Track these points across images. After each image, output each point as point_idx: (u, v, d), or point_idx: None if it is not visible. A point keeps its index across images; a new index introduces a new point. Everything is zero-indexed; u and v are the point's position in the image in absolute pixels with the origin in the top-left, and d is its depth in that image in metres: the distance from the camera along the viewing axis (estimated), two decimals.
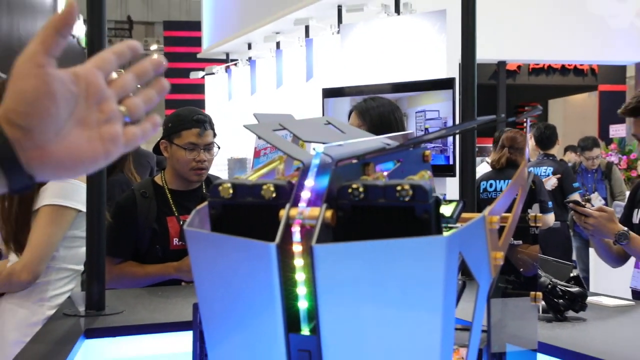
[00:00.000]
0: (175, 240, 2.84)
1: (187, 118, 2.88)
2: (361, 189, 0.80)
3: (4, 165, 0.71)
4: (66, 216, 2.41)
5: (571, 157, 10.31)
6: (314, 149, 0.86)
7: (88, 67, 0.78)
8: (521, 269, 1.28)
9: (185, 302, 2.22)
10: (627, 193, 7.53)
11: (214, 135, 2.94)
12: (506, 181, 5.34)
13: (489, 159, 6.47)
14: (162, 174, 3.00)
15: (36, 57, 0.73)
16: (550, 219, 5.31)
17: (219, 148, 2.97)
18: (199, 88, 11.61)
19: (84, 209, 2.28)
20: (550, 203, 5.40)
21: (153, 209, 2.86)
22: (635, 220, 2.89)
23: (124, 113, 0.81)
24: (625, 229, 2.64)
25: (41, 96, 0.72)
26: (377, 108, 2.97)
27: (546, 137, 6.42)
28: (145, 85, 0.85)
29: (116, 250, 2.79)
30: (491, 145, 6.08)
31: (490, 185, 5.40)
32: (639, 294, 2.81)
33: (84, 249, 2.27)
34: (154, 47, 27.22)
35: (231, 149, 6.69)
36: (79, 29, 19.18)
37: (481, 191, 5.33)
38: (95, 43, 2.22)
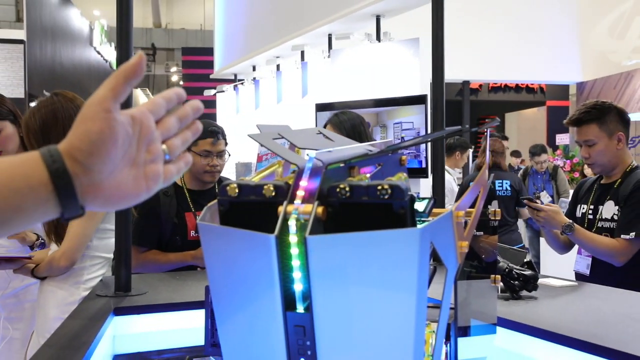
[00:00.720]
0: (192, 232, 2.83)
1: (203, 129, 2.86)
2: (347, 189, 0.79)
3: (61, 196, 0.68)
4: (99, 212, 2.40)
5: (515, 161, 10.41)
6: (307, 154, 0.85)
7: (143, 110, 0.75)
8: (483, 256, 1.28)
9: (199, 284, 2.21)
10: (571, 191, 7.57)
11: (226, 144, 2.94)
12: (494, 181, 5.33)
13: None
14: (181, 176, 2.99)
15: (105, 103, 0.69)
16: (526, 212, 5.34)
17: (229, 155, 2.96)
18: (212, 103, 11.58)
19: None
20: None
21: (173, 206, 2.85)
22: (578, 214, 2.89)
23: (165, 152, 0.77)
24: (571, 221, 2.65)
25: (106, 139, 0.68)
26: (349, 120, 2.97)
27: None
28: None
29: (142, 240, 2.78)
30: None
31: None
32: (581, 275, 2.81)
33: (113, 240, 2.26)
34: (173, 69, 27.20)
35: (238, 155, 6.67)
36: (111, 55, 19.16)
37: None
38: None
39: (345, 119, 2.98)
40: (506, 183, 5.40)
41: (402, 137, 5.02)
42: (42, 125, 2.39)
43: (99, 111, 0.69)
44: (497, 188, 5.37)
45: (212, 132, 2.86)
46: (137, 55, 0.72)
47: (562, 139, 11.52)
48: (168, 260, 2.78)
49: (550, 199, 7.40)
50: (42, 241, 2.61)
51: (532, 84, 15.12)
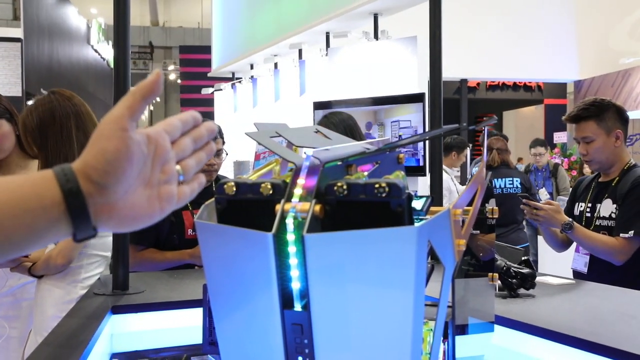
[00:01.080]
0: (190, 231, 2.83)
1: None
2: (345, 187, 0.79)
3: (74, 216, 0.66)
4: None
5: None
6: (305, 152, 0.85)
7: (158, 130, 0.73)
8: (481, 254, 1.28)
9: (197, 283, 2.21)
10: (569, 187, 7.58)
11: (223, 142, 2.93)
12: (504, 179, 5.32)
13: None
14: None
15: (121, 121, 0.67)
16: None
17: (226, 154, 2.96)
18: (209, 102, 11.58)
19: None
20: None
21: None
22: (576, 212, 2.89)
23: (179, 173, 0.76)
24: (570, 219, 2.65)
25: (121, 157, 0.66)
26: (343, 121, 2.97)
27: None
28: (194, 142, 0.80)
29: (139, 239, 2.78)
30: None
31: (491, 183, 5.33)
32: (578, 273, 2.81)
33: (111, 238, 2.26)
34: (171, 67, 27.17)
35: (236, 153, 6.67)
36: (108, 53, 19.13)
37: None
38: (120, 65, 2.20)
39: (338, 119, 2.98)
40: (516, 181, 5.38)
41: (400, 136, 5.02)
42: (40, 123, 2.39)
43: (115, 129, 0.67)
44: (507, 186, 5.35)
45: None
46: (154, 73, 0.71)
47: (559, 137, 11.53)
48: (165, 258, 2.78)
49: (548, 196, 7.40)
50: None
51: (529, 82, 15.14)
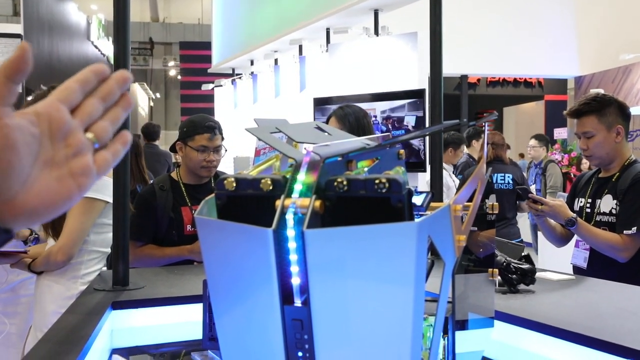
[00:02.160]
0: (189, 227, 2.83)
1: (200, 124, 2.88)
2: (345, 182, 0.79)
3: None
4: (96, 207, 2.40)
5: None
6: (305, 148, 0.85)
7: (50, 101, 0.64)
8: (481, 250, 1.28)
9: (197, 278, 2.21)
10: (559, 186, 7.59)
11: (222, 139, 2.94)
12: (496, 174, 5.33)
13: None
14: (177, 170, 2.99)
15: None
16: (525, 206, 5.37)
17: (226, 150, 2.96)
18: (209, 98, 11.58)
19: (111, 200, 2.26)
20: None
21: (170, 200, 2.85)
22: (576, 207, 2.89)
23: (92, 140, 0.66)
24: (575, 215, 2.65)
25: (1, 150, 0.57)
26: (353, 114, 2.96)
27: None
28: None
29: (139, 235, 2.78)
30: None
31: (491, 178, 5.33)
32: (578, 269, 2.81)
33: (111, 234, 2.26)
34: (171, 63, 27.14)
35: (236, 149, 6.67)
36: (108, 49, 19.10)
37: None
38: (120, 61, 2.20)
39: (349, 111, 2.98)
40: (508, 177, 5.39)
41: (400, 129, 5.01)
42: None
43: None
44: (499, 181, 5.35)
45: (209, 128, 2.86)
46: (19, 47, 0.62)
47: (560, 133, 11.53)
48: (165, 254, 2.78)
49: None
50: (36, 236, 2.61)
51: (530, 78, 15.13)
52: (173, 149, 3.03)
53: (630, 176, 2.66)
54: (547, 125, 14.79)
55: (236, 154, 6.48)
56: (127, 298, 1.95)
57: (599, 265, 2.69)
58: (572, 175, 8.82)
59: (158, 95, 28.09)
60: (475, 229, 1.22)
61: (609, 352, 1.42)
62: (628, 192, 2.63)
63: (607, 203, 2.71)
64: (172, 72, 27.54)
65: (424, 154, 4.88)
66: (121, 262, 2.12)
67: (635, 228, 2.54)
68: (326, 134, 1.08)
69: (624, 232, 2.57)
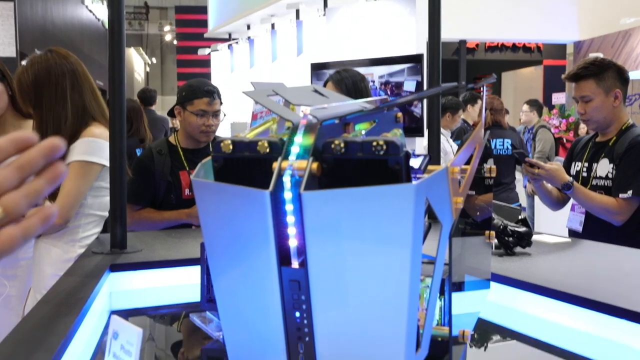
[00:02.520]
0: (187, 191, 2.84)
1: (199, 89, 2.87)
2: (342, 145, 0.79)
3: None
4: (93, 170, 2.40)
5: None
6: (302, 111, 0.84)
7: None
8: (478, 213, 1.28)
9: (195, 242, 2.22)
10: (547, 151, 7.58)
11: (221, 103, 2.93)
12: (494, 140, 5.33)
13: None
14: (175, 135, 2.98)
15: None
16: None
17: (224, 115, 2.96)
18: (206, 63, 11.48)
19: (107, 163, 2.25)
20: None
21: (168, 164, 2.85)
22: (572, 171, 2.90)
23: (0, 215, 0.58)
24: (571, 179, 2.66)
25: None
26: (350, 78, 2.95)
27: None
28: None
29: (136, 198, 2.78)
30: None
31: (489, 142, 5.32)
32: (574, 232, 2.83)
33: (108, 198, 2.26)
34: (167, 28, 26.85)
35: (233, 115, 6.64)
36: (103, 13, 18.87)
37: None
38: (115, 25, 2.16)
39: (346, 75, 2.96)
40: (507, 142, 5.38)
41: (399, 94, 4.99)
42: (35, 81, 2.38)
43: None
44: (498, 147, 5.35)
45: (208, 92, 2.85)
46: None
47: (558, 98, 11.48)
48: (163, 218, 2.79)
49: None
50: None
51: (529, 43, 15.00)
52: (171, 113, 3.02)
53: (627, 140, 2.66)
54: (545, 91, 14.73)
55: (233, 119, 6.45)
56: (125, 261, 1.96)
57: (594, 229, 2.71)
58: (565, 141, 8.81)
59: (154, 60, 27.83)
60: (473, 192, 1.22)
61: (604, 313, 1.43)
62: (624, 156, 2.63)
63: (604, 167, 2.71)
64: (168, 37, 27.24)
65: (423, 120, 4.87)
66: (119, 225, 2.12)
67: (630, 192, 2.55)
68: (323, 97, 1.07)
69: (620, 195, 2.58)
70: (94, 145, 2.38)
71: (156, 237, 2.40)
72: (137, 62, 23.75)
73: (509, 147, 5.36)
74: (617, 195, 2.59)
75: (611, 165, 2.68)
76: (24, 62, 2.50)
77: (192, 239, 2.32)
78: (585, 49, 12.61)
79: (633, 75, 11.10)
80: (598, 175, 2.73)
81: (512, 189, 5.45)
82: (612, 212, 2.60)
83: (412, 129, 4.82)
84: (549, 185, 2.81)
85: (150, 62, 27.29)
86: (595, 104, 2.70)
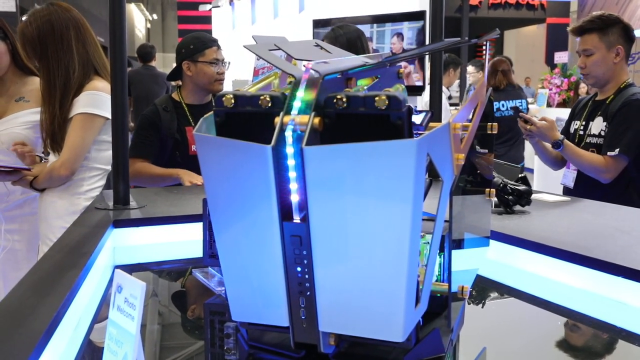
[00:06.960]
0: (193, 147, 2.81)
1: (207, 38, 2.92)
2: (344, 99, 0.78)
3: None
4: (96, 122, 2.40)
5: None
6: (304, 65, 0.83)
7: None
8: (479, 171, 1.28)
9: (197, 198, 2.22)
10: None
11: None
12: (513, 100, 5.30)
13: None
14: (178, 91, 2.96)
15: None
16: None
17: (229, 63, 2.96)
18: (207, 19, 11.35)
19: (110, 116, 2.24)
20: None
21: (174, 121, 2.83)
22: (571, 130, 2.90)
23: None
24: (562, 137, 2.65)
25: None
26: (344, 35, 2.91)
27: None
28: None
29: (134, 151, 2.71)
30: None
31: (502, 105, 5.29)
32: (568, 189, 2.84)
33: (110, 152, 2.25)
34: None
35: (235, 72, 6.58)
36: None
37: (494, 110, 5.17)
38: None
39: (341, 33, 2.93)
40: (524, 102, 5.38)
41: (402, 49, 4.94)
42: (39, 33, 2.37)
43: None
44: (517, 106, 5.32)
45: (214, 41, 2.89)
46: None
47: (560, 57, 11.37)
48: (152, 173, 2.74)
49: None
50: (46, 160, 2.61)
51: (532, 1, 14.80)
52: (172, 77, 2.99)
53: (622, 99, 2.64)
54: (547, 49, 14.59)
55: (235, 77, 6.41)
56: (128, 217, 1.97)
57: (585, 187, 2.72)
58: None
59: (155, 16, 27.47)
60: (486, 151, 1.21)
61: (602, 270, 1.44)
62: (617, 114, 2.62)
63: (598, 125, 2.71)
64: None
65: (424, 78, 4.82)
66: (121, 182, 2.12)
67: (618, 150, 2.55)
68: (326, 51, 1.06)
69: (608, 153, 2.58)
70: (97, 98, 2.38)
71: (158, 193, 2.40)
72: (138, 19, 23.45)
73: (527, 107, 5.37)
74: (605, 153, 2.59)
75: (604, 123, 2.67)
76: (25, 17, 2.47)
77: (194, 195, 2.32)
78: (589, 6, 12.44)
79: (637, 33, 10.98)
80: (592, 133, 2.74)
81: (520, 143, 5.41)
82: (599, 169, 2.60)
83: (415, 87, 4.78)
84: (547, 144, 2.81)
85: (151, 19, 26.94)
86: (596, 58, 2.68)
